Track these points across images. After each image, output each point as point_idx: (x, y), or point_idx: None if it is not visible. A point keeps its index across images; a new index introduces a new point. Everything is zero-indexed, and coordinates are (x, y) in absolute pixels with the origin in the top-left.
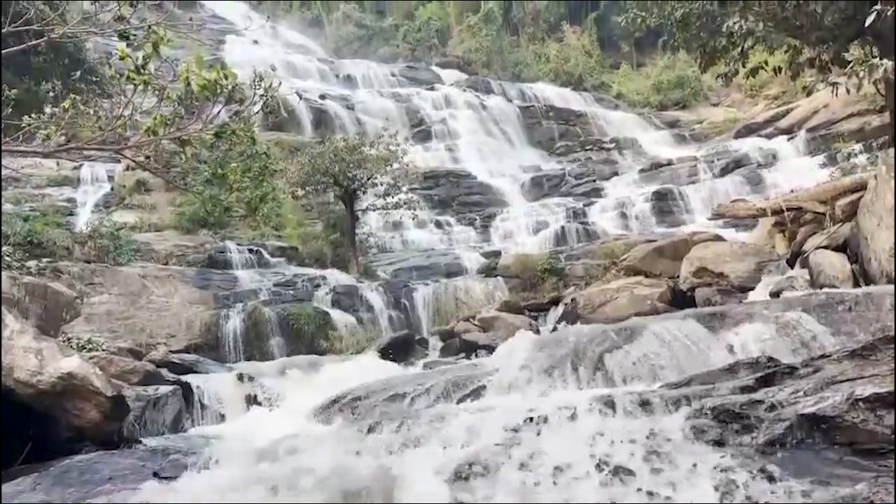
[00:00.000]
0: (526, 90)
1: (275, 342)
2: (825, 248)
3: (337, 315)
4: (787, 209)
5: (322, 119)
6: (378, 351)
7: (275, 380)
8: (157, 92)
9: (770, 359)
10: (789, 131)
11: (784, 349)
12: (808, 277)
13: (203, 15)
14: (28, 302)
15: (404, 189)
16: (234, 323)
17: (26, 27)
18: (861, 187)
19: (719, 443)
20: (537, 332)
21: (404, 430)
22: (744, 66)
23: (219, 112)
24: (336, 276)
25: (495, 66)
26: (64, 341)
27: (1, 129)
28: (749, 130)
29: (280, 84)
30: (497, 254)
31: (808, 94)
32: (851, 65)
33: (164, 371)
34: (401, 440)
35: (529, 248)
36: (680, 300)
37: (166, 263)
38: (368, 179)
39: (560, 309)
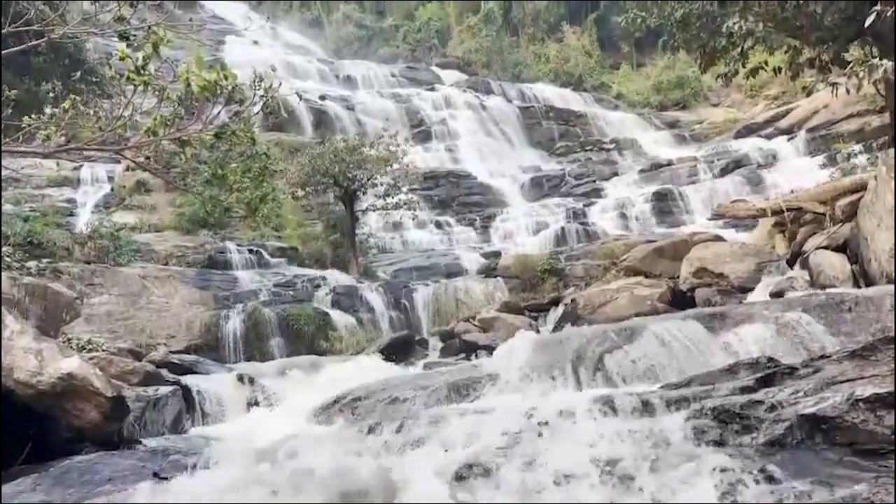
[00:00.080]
0: (526, 90)
1: (275, 343)
2: (825, 248)
3: (337, 315)
4: (787, 209)
5: (322, 120)
6: (378, 351)
7: (275, 380)
8: (157, 92)
9: (770, 359)
10: (789, 131)
11: (784, 350)
12: (808, 278)
13: (203, 15)
14: (28, 302)
15: (404, 189)
16: (234, 323)
17: (26, 27)
18: (861, 188)
19: (719, 443)
20: (537, 332)
21: (404, 431)
22: (744, 67)
23: (219, 113)
24: (336, 277)
25: (495, 67)
26: (64, 342)
27: (1, 130)
28: (749, 131)
29: (280, 85)
30: (497, 254)
31: (808, 95)
32: (851, 65)
33: (164, 371)
34: (401, 441)
35: (529, 249)
36: (680, 301)
37: (166, 264)
38: (368, 180)
39: (560, 309)
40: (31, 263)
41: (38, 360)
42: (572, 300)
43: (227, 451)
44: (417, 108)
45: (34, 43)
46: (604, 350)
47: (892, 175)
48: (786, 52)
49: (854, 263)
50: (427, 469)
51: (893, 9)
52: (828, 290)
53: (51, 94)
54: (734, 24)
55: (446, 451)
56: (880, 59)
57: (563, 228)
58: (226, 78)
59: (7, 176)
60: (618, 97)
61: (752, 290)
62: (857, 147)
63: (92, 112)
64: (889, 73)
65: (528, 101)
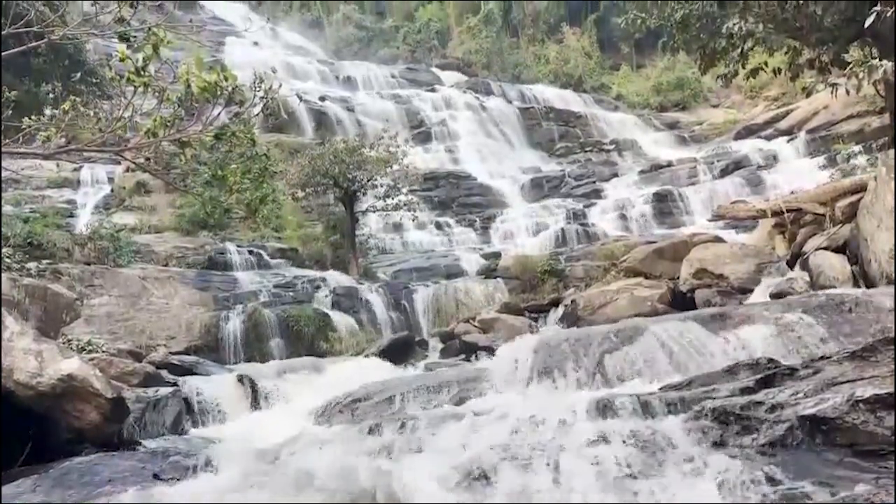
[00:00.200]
0: (526, 91)
1: (275, 344)
2: (825, 249)
3: (337, 317)
4: (787, 210)
5: (322, 121)
6: (378, 352)
7: (275, 381)
8: (157, 94)
9: (770, 360)
10: (789, 132)
11: (784, 350)
12: (807, 279)
13: (203, 16)
14: (28, 304)
15: (404, 190)
16: (234, 324)
17: (26, 29)
18: (861, 189)
19: (720, 444)
20: (537, 333)
21: (404, 433)
22: (743, 68)
23: (219, 114)
24: (336, 278)
25: (495, 68)
26: (64, 343)
27: (1, 131)
28: (749, 132)
29: (280, 86)
30: (497, 255)
31: (808, 96)
32: (851, 66)
33: (163, 372)
34: (401, 442)
35: (529, 250)
36: (680, 302)
37: (166, 265)
38: (368, 181)
39: (560, 310)
40: (31, 265)
41: (38, 362)
42: (572, 301)
43: (227, 452)
44: (417, 109)
45: (34, 44)
46: (604, 351)
47: (892, 176)
48: (786, 53)
49: (854, 264)
50: (427, 470)
51: (893, 9)
52: (828, 291)
53: (51, 96)
54: (734, 25)
55: (445, 449)
56: (880, 60)
57: (563, 229)
58: (226, 79)
59: (7, 177)
60: (618, 98)
61: (752, 291)
62: (857, 148)
63: (92, 113)
64: (889, 73)
65: (528, 102)
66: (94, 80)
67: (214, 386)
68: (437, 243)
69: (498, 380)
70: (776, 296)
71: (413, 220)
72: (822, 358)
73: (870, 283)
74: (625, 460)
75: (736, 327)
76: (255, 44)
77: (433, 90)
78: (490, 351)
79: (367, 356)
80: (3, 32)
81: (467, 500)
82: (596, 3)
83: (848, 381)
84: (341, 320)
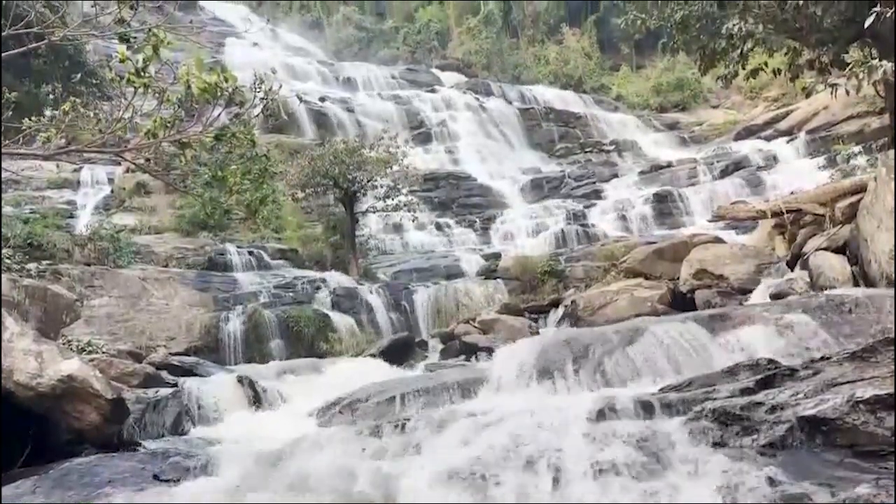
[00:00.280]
0: (526, 92)
1: (275, 344)
2: (825, 250)
3: (337, 317)
4: (787, 211)
5: (322, 121)
6: (378, 353)
7: (275, 382)
8: (157, 94)
9: (770, 361)
10: (789, 133)
11: (784, 351)
12: (807, 279)
13: (203, 17)
14: (28, 304)
15: (404, 191)
16: (234, 325)
17: (27, 30)
18: (861, 189)
19: (720, 445)
20: (537, 334)
21: (404, 433)
22: (743, 68)
23: (219, 115)
24: (336, 279)
25: (495, 69)
26: (64, 344)
27: (1, 132)
28: (749, 132)
29: (280, 87)
30: (497, 256)
31: (808, 96)
32: (851, 66)
33: (163, 373)
34: (401, 442)
35: (529, 250)
36: (680, 302)
37: (166, 266)
38: (368, 182)
39: (560, 311)
40: (31, 265)
41: (38, 362)
42: (572, 302)
43: (227, 453)
44: (417, 110)
45: (34, 45)
46: (604, 352)
47: (892, 176)
48: (785, 53)
49: (854, 265)
50: (427, 471)
51: (893, 10)
52: (828, 292)
53: (51, 97)
54: (734, 25)
55: (444, 450)
56: (880, 61)
57: (562, 230)
58: (226, 80)
59: (7, 178)
60: (617, 99)
61: (752, 291)
62: (857, 148)
63: (92, 114)
64: (888, 74)
65: (528, 103)
66: (95, 81)
67: (214, 387)
68: (437, 244)
69: (498, 381)
70: (776, 296)
71: (413, 221)
72: (822, 359)
73: (870, 284)
74: (625, 461)
75: (736, 328)
76: (255, 45)
77: (433, 91)
78: (490, 351)
79: (367, 357)
80: (4, 33)
81: (467, 499)
82: (596, 3)
83: (848, 382)
84: (341, 321)
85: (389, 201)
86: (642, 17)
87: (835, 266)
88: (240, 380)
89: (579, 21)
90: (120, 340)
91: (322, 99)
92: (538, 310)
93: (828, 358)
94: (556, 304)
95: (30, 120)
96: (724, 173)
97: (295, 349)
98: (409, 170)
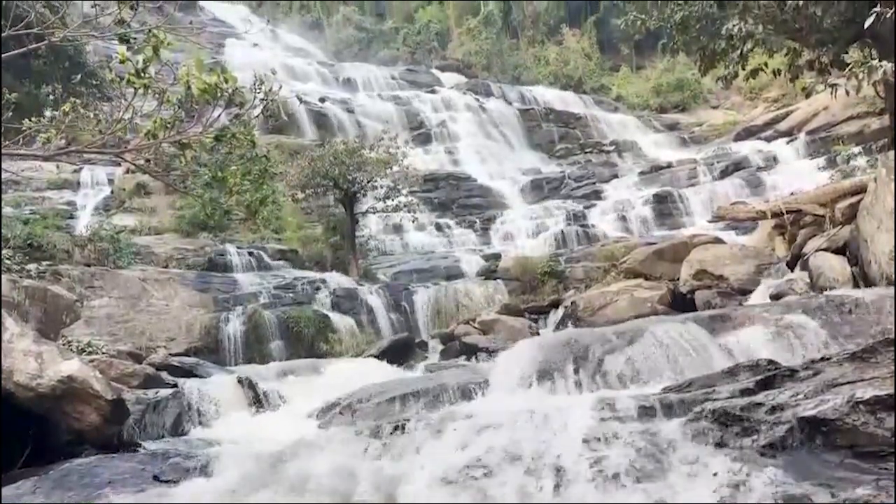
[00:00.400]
0: (525, 93)
1: (275, 345)
2: (825, 250)
3: (337, 318)
4: (787, 212)
5: (322, 122)
6: (378, 354)
7: (275, 383)
8: (157, 95)
9: (770, 361)
10: (789, 134)
11: (784, 352)
12: (807, 280)
13: (203, 18)
14: (28, 305)
15: (404, 192)
16: (234, 326)
17: (27, 30)
18: (861, 190)
19: (720, 445)
20: (537, 334)
21: (404, 434)
22: (743, 69)
23: (219, 115)
24: (336, 279)
25: (495, 69)
26: (64, 344)
27: (1, 133)
28: (749, 133)
29: (280, 87)
30: (497, 256)
31: (808, 97)
32: (851, 67)
33: (163, 374)
34: (401, 443)
35: (529, 251)
36: (680, 303)
37: (166, 266)
38: (368, 182)
39: (560, 311)
40: (31, 266)
41: (38, 363)
42: (572, 302)
43: (227, 454)
44: (417, 111)
45: (34, 46)
46: (604, 352)
47: (892, 177)
48: (785, 54)
49: (854, 265)
50: (427, 471)
51: (893, 10)
52: (828, 293)
53: (51, 97)
54: (734, 26)
55: (445, 450)
56: (880, 61)
57: (562, 231)
58: (226, 81)
59: (7, 178)
60: (617, 99)
61: (752, 292)
62: (857, 149)
63: (92, 115)
64: (888, 74)
65: (528, 104)
66: (95, 82)
67: (214, 387)
68: (436, 244)
69: (498, 381)
70: (776, 297)
71: (413, 222)
72: (822, 359)
73: (870, 285)
74: (625, 462)
75: (736, 329)
76: (255, 45)
77: (433, 91)
78: (490, 352)
79: (367, 358)
80: (4, 34)
81: (467, 500)
82: (596, 4)
83: (848, 383)
84: (341, 322)
85: (389, 202)
86: (642, 17)
87: (835, 267)
88: (240, 381)
89: (579, 22)
90: (120, 341)
91: (322, 100)
92: (538, 310)
93: (828, 358)
94: (556, 304)
95: (30, 121)
96: (724, 174)
97: (295, 350)
98: (409, 170)
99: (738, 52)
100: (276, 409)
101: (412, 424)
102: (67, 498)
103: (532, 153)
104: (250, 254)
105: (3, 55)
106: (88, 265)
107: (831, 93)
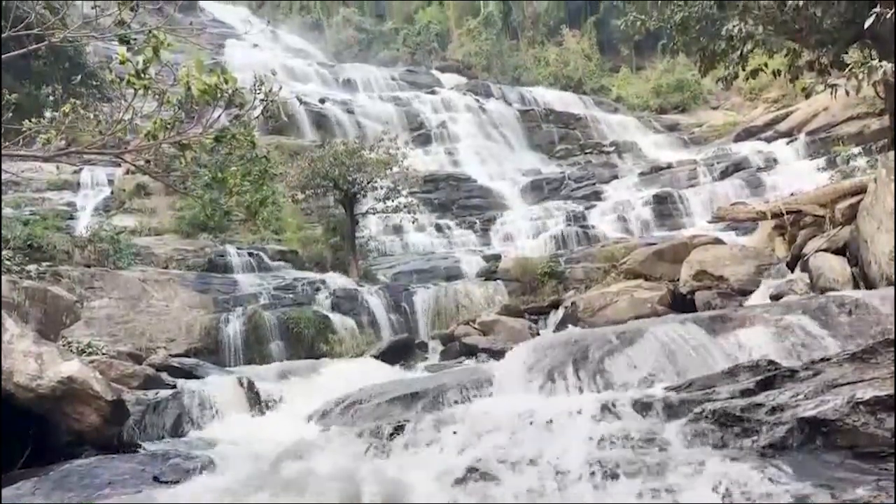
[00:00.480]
0: (525, 94)
1: (275, 346)
2: (825, 251)
3: (337, 319)
4: (787, 212)
5: (322, 123)
6: (378, 354)
7: (275, 383)
8: (157, 96)
9: (770, 362)
10: (789, 134)
11: (784, 352)
12: (808, 281)
13: (203, 19)
14: (28, 306)
15: (404, 193)
16: (234, 327)
17: (27, 31)
18: (861, 190)
19: (720, 446)
20: (537, 335)
21: (404, 434)
22: (743, 70)
23: (219, 116)
24: (336, 280)
25: (495, 70)
26: (64, 345)
27: (1, 133)
28: (748, 134)
29: (280, 88)
30: (497, 257)
31: (808, 97)
32: (850, 67)
33: (163, 375)
34: (401, 444)
35: (529, 252)
36: (680, 303)
37: (166, 267)
38: (368, 183)
39: (560, 312)
40: (31, 267)
41: (37, 364)
42: (572, 303)
43: (227, 455)
44: (417, 112)
45: (34, 46)
46: (604, 353)
47: (892, 178)
48: (785, 54)
49: (854, 266)
50: (428, 472)
51: (893, 11)
52: (828, 293)
53: (51, 98)
54: (734, 27)
55: (445, 451)
56: (879, 62)
57: (562, 231)
58: (226, 81)
59: (7, 179)
60: (617, 100)
61: (752, 292)
62: (857, 150)
63: (92, 116)
64: (888, 75)
65: (528, 105)
66: (95, 83)
67: (214, 388)
68: (436, 245)
69: (498, 382)
70: (776, 297)
71: (413, 223)
72: (822, 360)
73: (870, 285)
74: (625, 462)
75: (736, 329)
76: (256, 46)
77: (433, 92)
78: (490, 353)
79: (367, 358)
80: (4, 35)
81: (468, 500)
82: (595, 4)
83: (848, 383)
84: (341, 322)
85: (389, 203)
86: (642, 18)
87: (835, 267)
88: (240, 381)
89: (579, 22)
90: (120, 342)
91: (322, 100)
92: (538, 311)
93: (828, 359)
94: (556, 305)
95: (30, 121)
96: (724, 174)
97: (295, 351)
98: (409, 171)
99: (738, 52)
100: (276, 409)
101: (412, 425)
102: (67, 498)
103: (532, 154)
104: (250, 255)
105: (3, 56)
106: (88, 266)
107: (831, 93)
